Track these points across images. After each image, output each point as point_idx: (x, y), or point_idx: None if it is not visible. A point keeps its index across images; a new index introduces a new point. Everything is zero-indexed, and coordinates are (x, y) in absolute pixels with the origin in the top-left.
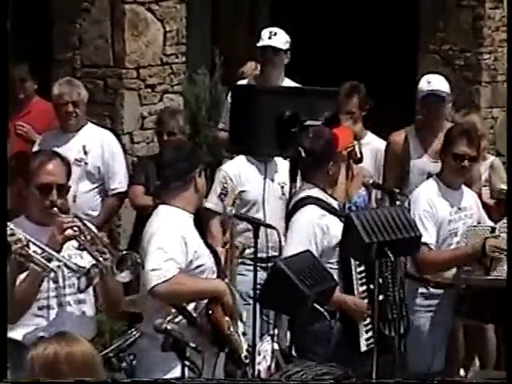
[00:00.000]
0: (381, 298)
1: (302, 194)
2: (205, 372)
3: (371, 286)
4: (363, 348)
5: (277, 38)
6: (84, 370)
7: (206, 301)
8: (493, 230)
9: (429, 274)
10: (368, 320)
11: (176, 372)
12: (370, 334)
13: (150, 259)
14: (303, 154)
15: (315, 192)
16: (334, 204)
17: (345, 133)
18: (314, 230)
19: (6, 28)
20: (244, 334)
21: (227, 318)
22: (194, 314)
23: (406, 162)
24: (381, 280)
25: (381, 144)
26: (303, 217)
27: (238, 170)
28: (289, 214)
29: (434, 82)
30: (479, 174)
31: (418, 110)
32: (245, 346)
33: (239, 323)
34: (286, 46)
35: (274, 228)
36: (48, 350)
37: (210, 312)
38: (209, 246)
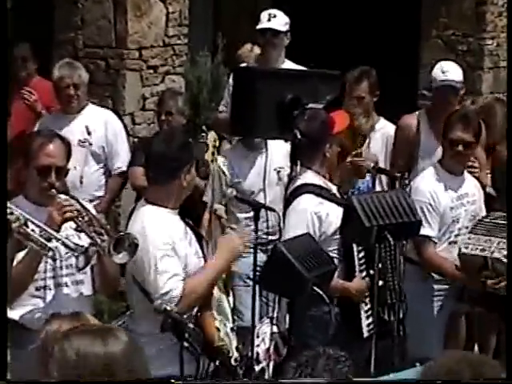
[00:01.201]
0: (380, 283)
1: (299, 181)
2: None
3: (371, 272)
4: (365, 334)
5: (276, 20)
6: None
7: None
8: (486, 262)
9: (428, 271)
10: (368, 305)
11: (169, 369)
12: (370, 319)
13: (152, 284)
14: (298, 136)
15: (312, 178)
16: (333, 189)
17: (341, 116)
18: (312, 219)
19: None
20: (232, 329)
21: (217, 324)
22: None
23: (416, 146)
24: (380, 265)
25: (392, 130)
26: (299, 206)
27: (232, 161)
28: (286, 202)
29: (449, 72)
30: (485, 159)
31: (428, 97)
32: (234, 344)
33: (227, 319)
34: (285, 28)
35: (274, 210)
36: (64, 328)
37: (199, 317)
38: (196, 232)
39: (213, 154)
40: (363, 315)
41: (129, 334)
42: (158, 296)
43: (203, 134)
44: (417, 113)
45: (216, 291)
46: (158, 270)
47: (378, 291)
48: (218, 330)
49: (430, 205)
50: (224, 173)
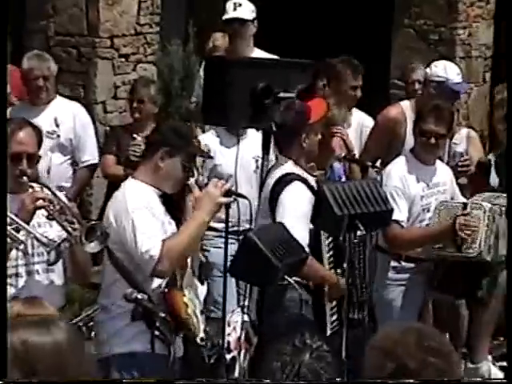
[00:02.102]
0: (349, 281)
1: (283, 170)
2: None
3: (338, 271)
4: (329, 331)
5: (242, 9)
6: None
7: (163, 284)
8: (464, 206)
9: (399, 251)
10: (334, 303)
11: (134, 344)
12: (335, 317)
13: (132, 245)
14: (274, 128)
15: (292, 168)
16: (310, 179)
17: (319, 104)
18: (306, 203)
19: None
20: (202, 312)
21: (185, 300)
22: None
23: (399, 138)
24: (350, 263)
25: (366, 120)
26: (295, 191)
27: (213, 144)
28: (273, 191)
29: (461, 76)
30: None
31: (426, 92)
32: (202, 327)
33: (197, 302)
34: (251, 16)
35: (245, 198)
36: (11, 310)
37: (167, 293)
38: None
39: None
40: (328, 313)
41: (67, 323)
42: (138, 256)
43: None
44: (402, 104)
45: (190, 273)
46: (137, 230)
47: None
48: (187, 305)
49: (399, 188)
50: (208, 152)
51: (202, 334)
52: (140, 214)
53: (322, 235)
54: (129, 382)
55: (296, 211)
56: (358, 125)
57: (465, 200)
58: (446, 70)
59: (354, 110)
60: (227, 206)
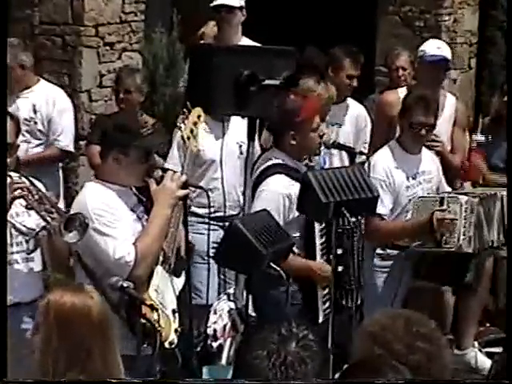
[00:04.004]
0: (340, 269)
1: (270, 161)
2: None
3: (331, 257)
4: (321, 319)
5: None
6: (98, 325)
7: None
8: (441, 201)
9: (377, 243)
10: (326, 290)
11: None
12: (327, 304)
13: (103, 252)
14: (265, 122)
15: (283, 159)
16: (303, 169)
17: (311, 102)
18: (281, 200)
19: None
20: (174, 311)
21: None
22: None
23: (394, 120)
24: (340, 251)
25: (360, 108)
26: (270, 186)
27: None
28: (256, 182)
29: (442, 49)
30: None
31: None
32: (173, 327)
33: (168, 301)
34: (240, 3)
35: (202, 188)
36: (65, 298)
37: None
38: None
39: (191, 131)
40: (320, 300)
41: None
42: (112, 262)
43: (184, 110)
44: (398, 90)
45: (160, 272)
46: (106, 237)
47: (336, 277)
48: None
49: (384, 182)
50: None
51: (172, 337)
52: (105, 219)
53: (314, 222)
54: (129, 382)
55: (262, 206)
56: (352, 112)
57: (447, 191)
58: (426, 44)
59: (348, 100)
60: (185, 197)
